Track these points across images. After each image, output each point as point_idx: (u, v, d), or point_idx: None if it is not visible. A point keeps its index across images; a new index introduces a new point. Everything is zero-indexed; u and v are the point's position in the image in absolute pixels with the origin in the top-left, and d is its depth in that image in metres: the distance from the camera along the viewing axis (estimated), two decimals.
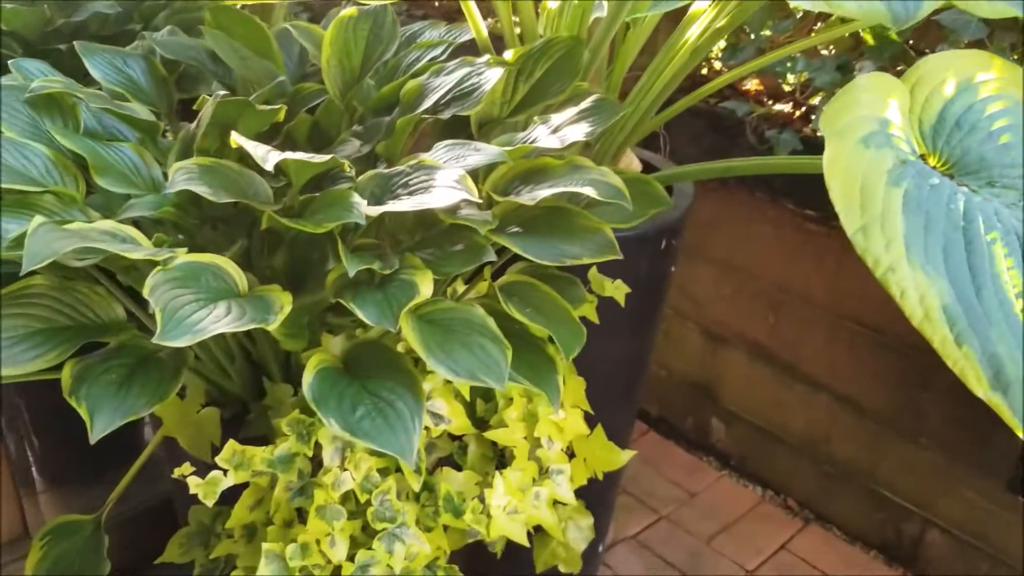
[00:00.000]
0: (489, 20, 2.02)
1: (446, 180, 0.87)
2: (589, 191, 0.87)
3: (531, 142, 0.96)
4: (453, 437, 1.08)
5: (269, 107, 0.98)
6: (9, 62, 1.18)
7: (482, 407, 1.07)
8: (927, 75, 0.83)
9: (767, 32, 1.66)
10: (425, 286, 0.84)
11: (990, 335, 0.71)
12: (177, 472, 0.90)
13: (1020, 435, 0.72)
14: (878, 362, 1.87)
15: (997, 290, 0.73)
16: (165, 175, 1.04)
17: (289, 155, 0.82)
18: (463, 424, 1.02)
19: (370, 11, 1.13)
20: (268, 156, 0.81)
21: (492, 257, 0.88)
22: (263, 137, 1.12)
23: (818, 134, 1.80)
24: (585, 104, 1.01)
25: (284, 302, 0.82)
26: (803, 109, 1.86)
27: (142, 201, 0.95)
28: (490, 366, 0.80)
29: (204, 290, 0.79)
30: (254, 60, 1.20)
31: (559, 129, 0.97)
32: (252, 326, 0.77)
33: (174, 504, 1.21)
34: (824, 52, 1.79)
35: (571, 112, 1.00)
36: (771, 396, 2.08)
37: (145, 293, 0.76)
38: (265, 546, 0.89)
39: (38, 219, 0.79)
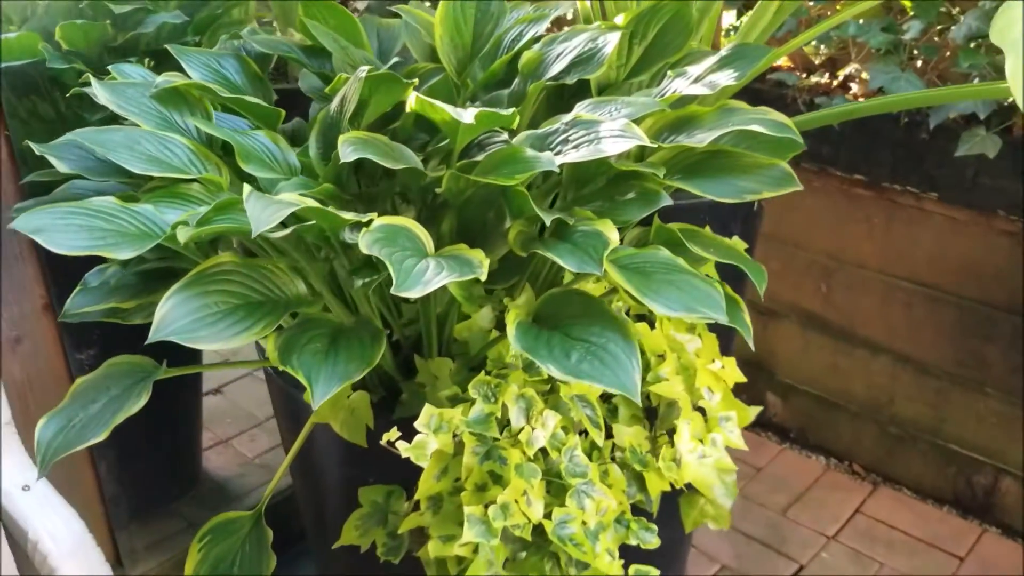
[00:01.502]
0: None
1: (612, 130, 0.88)
2: (757, 128, 0.89)
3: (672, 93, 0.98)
4: (604, 399, 1.08)
5: (407, 80, 0.98)
6: (109, 67, 1.17)
7: None
8: None
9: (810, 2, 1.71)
10: (611, 233, 0.84)
11: None
12: (385, 437, 0.89)
13: None
14: (936, 319, 1.91)
15: None
16: (299, 160, 1.03)
17: (479, 109, 0.82)
18: None
19: None
20: (463, 115, 0.81)
21: (668, 202, 0.89)
22: (376, 125, 1.12)
23: (860, 99, 1.84)
24: (724, 52, 1.03)
25: (480, 258, 0.82)
26: (840, 78, 1.90)
27: (291, 183, 0.94)
28: (704, 300, 0.81)
29: (407, 249, 0.79)
30: (351, 48, 1.20)
31: (701, 78, 0.98)
32: (468, 277, 0.77)
33: (296, 498, 1.19)
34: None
35: (709, 62, 1.01)
36: (828, 364, 2.10)
37: (363, 249, 0.75)
38: (467, 510, 0.88)
39: (248, 188, 0.78)
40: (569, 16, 1.90)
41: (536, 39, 1.15)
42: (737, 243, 1.16)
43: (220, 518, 1.10)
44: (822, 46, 1.81)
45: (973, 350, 1.88)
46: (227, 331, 0.81)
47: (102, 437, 0.90)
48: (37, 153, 1.05)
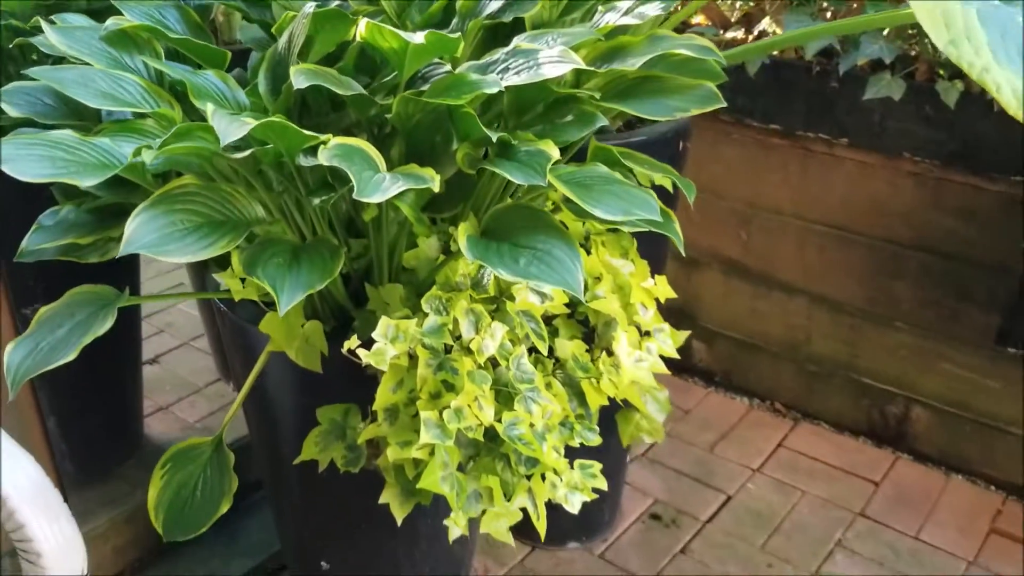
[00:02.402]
0: None
1: (550, 56, 0.94)
2: (683, 51, 0.96)
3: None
4: (546, 322, 1.15)
5: (354, 17, 1.03)
6: (52, 16, 1.18)
7: (565, 294, 1.15)
8: None
9: None
10: (553, 151, 0.91)
11: None
12: (346, 345, 0.94)
13: None
14: (848, 259, 2.03)
15: None
16: (248, 99, 1.07)
17: (427, 31, 0.87)
18: (562, 300, 1.09)
19: None
20: (413, 37, 0.87)
21: (604, 122, 0.96)
22: (324, 61, 1.16)
23: (775, 55, 1.95)
24: None
25: (431, 173, 0.87)
26: (755, 33, 2.00)
27: (244, 115, 0.98)
28: (641, 205, 0.88)
29: (364, 164, 0.84)
30: None
31: (631, 11, 1.05)
32: (422, 186, 0.82)
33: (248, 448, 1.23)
34: None
35: None
36: (748, 308, 2.22)
37: (323, 161, 0.80)
38: (423, 414, 0.94)
39: (211, 107, 0.82)
40: None
41: None
42: (668, 172, 1.24)
43: (180, 446, 1.14)
44: (738, 2, 1.90)
45: (883, 287, 2.01)
46: (193, 246, 0.85)
47: (71, 357, 0.93)
48: None
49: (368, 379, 1.14)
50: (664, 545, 1.88)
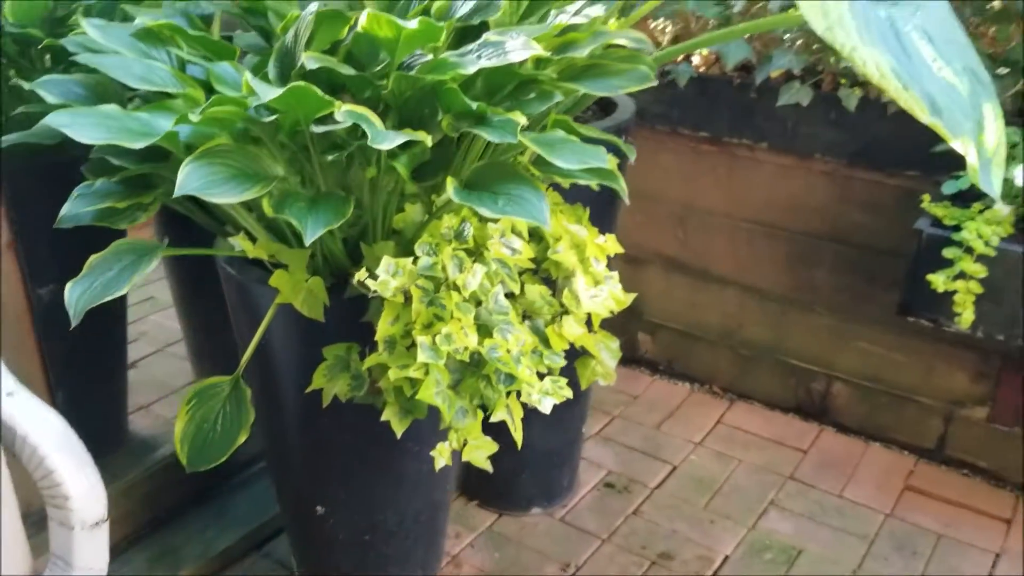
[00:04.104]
0: None
1: (516, 45, 1.16)
2: (622, 40, 1.18)
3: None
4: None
5: (352, 13, 1.24)
6: (81, 20, 1.36)
7: (534, 249, 1.35)
8: None
9: None
10: (520, 118, 1.12)
11: (923, 83, 1.07)
12: (358, 276, 1.13)
13: (949, 142, 1.07)
14: (773, 251, 2.28)
15: (920, 58, 1.10)
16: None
17: (420, 18, 1.08)
18: (528, 254, 1.30)
19: None
20: (407, 23, 1.08)
21: (561, 98, 1.17)
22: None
23: (701, 68, 2.20)
24: None
25: (423, 134, 1.08)
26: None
27: (262, 94, 1.17)
28: (594, 157, 1.10)
29: (372, 124, 1.04)
30: (285, 4, 1.45)
31: (579, 12, 1.28)
32: (420, 137, 1.03)
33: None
34: None
35: (583, 1, 1.31)
36: (687, 301, 2.45)
37: (339, 119, 1.00)
38: (420, 339, 1.13)
39: (249, 75, 1.01)
40: None
41: None
42: (612, 160, 1.46)
43: (203, 383, 1.30)
44: (668, 24, 2.16)
45: (804, 275, 2.26)
46: (234, 190, 1.03)
47: (124, 291, 1.10)
48: (26, 88, 1.24)
49: (362, 326, 1.33)
50: (618, 508, 2.07)
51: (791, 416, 2.40)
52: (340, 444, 1.45)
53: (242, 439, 1.29)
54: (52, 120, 1.04)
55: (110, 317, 1.99)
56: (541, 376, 1.22)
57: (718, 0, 2.04)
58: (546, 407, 1.18)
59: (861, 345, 2.24)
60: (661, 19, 2.15)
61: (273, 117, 1.07)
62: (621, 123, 1.68)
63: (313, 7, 1.21)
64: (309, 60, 1.12)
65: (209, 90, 1.22)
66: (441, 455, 1.32)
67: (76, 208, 1.21)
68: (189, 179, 1.01)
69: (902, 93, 1.08)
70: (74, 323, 1.09)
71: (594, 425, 2.34)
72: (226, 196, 1.03)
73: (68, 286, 1.11)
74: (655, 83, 1.24)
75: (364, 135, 1.07)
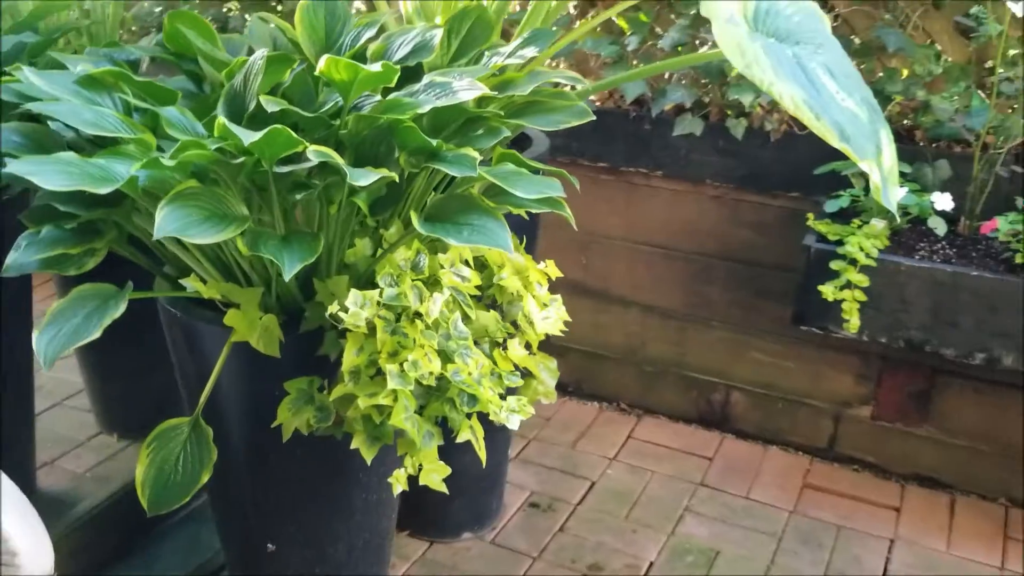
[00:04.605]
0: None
1: (463, 85, 1.24)
2: (558, 79, 1.27)
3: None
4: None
5: (299, 61, 1.28)
6: (17, 70, 1.35)
7: (479, 277, 1.42)
8: None
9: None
10: (474, 154, 1.19)
11: (832, 113, 1.21)
12: (331, 309, 1.16)
13: (858, 163, 1.21)
14: (671, 272, 2.42)
15: (827, 91, 1.24)
16: (203, 128, 1.29)
17: (381, 62, 1.14)
18: (476, 281, 1.37)
19: None
20: (371, 65, 1.13)
21: (507, 134, 1.25)
22: None
23: (598, 103, 2.34)
24: (525, 36, 1.41)
25: (384, 171, 1.13)
26: None
27: (244, 138, 1.19)
28: (547, 187, 1.18)
29: (341, 162, 1.09)
30: (215, 50, 1.47)
31: (514, 53, 1.36)
32: (384, 173, 1.08)
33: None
34: None
35: (515, 44, 1.40)
36: (592, 323, 2.56)
37: (311, 157, 1.04)
38: (388, 367, 1.17)
39: (223, 119, 1.04)
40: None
41: (373, 37, 1.49)
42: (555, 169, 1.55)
43: (163, 426, 1.29)
44: (564, 60, 2.28)
45: (700, 293, 2.41)
46: (210, 231, 1.05)
47: (97, 334, 1.09)
48: None
49: (316, 360, 1.36)
50: (545, 526, 2.15)
51: (695, 427, 2.54)
52: (292, 479, 1.46)
53: (205, 478, 1.29)
54: (17, 168, 1.03)
55: (16, 371, 1.92)
56: (502, 396, 1.28)
57: (612, 40, 2.18)
58: (514, 424, 1.25)
59: (755, 355, 2.40)
60: (560, 58, 2.27)
61: (241, 159, 1.10)
62: (539, 156, 1.77)
63: (262, 52, 1.25)
64: (268, 104, 1.16)
65: (157, 134, 1.24)
66: (398, 481, 1.36)
67: (25, 257, 1.20)
68: (167, 221, 1.03)
69: (815, 122, 1.21)
70: (45, 370, 1.08)
71: (513, 449, 2.41)
72: (204, 237, 1.05)
73: (35, 335, 1.10)
74: (594, 117, 1.34)
75: (329, 174, 1.12)
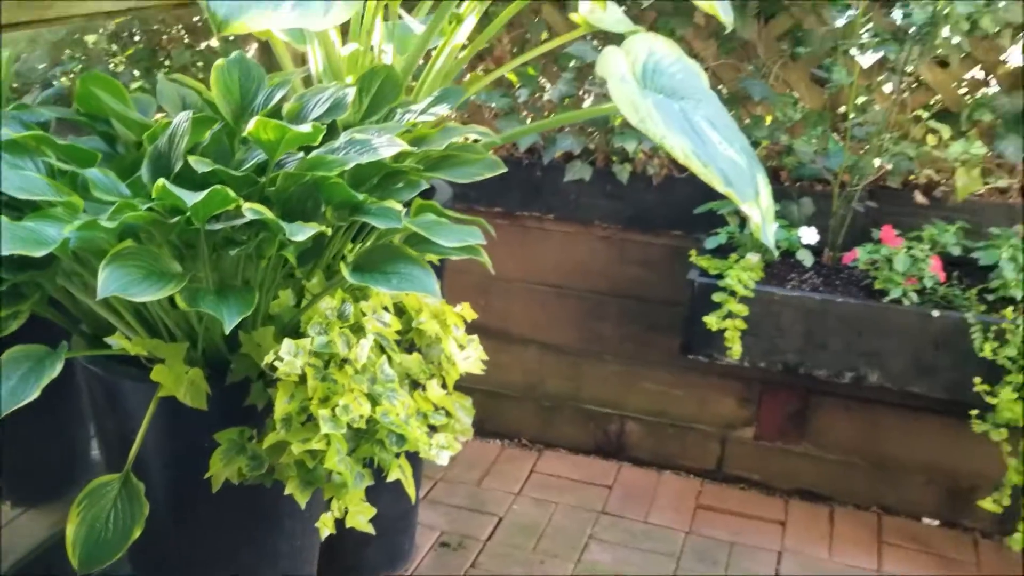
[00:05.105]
0: None
1: (382, 141, 1.31)
2: (472, 135, 1.36)
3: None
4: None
5: (219, 122, 1.33)
6: None
7: (399, 323, 1.49)
8: (633, 47, 1.49)
9: None
10: (397, 206, 1.27)
11: (717, 161, 1.35)
12: (267, 359, 1.20)
13: (740, 206, 1.35)
14: (565, 310, 2.55)
15: (711, 142, 1.38)
16: (128, 188, 1.32)
17: (309, 122, 1.20)
18: (397, 326, 1.44)
19: (237, 57, 1.51)
20: (301, 126, 1.19)
21: (426, 186, 1.33)
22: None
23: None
24: (436, 94, 1.50)
25: (313, 225, 1.20)
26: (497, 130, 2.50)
27: (187, 199, 1.22)
28: (469, 235, 1.26)
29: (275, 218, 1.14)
30: (129, 111, 1.51)
31: (426, 111, 1.45)
32: (317, 227, 1.14)
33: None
34: None
35: (426, 102, 1.48)
36: (493, 362, 2.63)
37: (247, 214, 1.10)
38: (320, 412, 1.23)
39: (163, 181, 1.08)
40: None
41: (286, 96, 1.55)
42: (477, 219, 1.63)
43: (93, 484, 1.29)
44: (459, 111, 2.39)
45: (593, 329, 2.54)
46: (150, 289, 1.08)
47: (35, 395, 1.10)
48: None
49: (243, 410, 1.40)
50: (456, 564, 2.20)
51: (593, 457, 2.65)
52: (221, 529, 1.48)
53: (137, 533, 1.30)
54: None
55: None
56: (429, 435, 1.35)
57: (504, 92, 2.30)
58: (443, 460, 1.32)
59: (646, 385, 2.54)
60: (455, 110, 2.37)
61: (176, 218, 1.14)
62: (444, 204, 1.86)
63: (187, 114, 1.29)
64: (198, 164, 1.20)
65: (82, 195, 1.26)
66: (325, 526, 1.41)
67: None
68: (109, 281, 1.06)
69: (703, 170, 1.35)
70: None
71: (421, 490, 2.46)
72: (145, 295, 1.08)
73: None
74: (505, 169, 1.44)
75: (260, 229, 1.17)
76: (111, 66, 2.57)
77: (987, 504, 2.04)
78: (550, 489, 2.51)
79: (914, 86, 2.19)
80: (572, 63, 2.30)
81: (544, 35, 2.38)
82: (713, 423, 2.51)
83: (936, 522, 2.36)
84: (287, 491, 1.30)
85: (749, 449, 2.49)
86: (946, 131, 2.09)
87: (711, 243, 2.22)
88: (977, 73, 2.23)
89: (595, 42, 2.29)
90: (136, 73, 2.51)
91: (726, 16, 1.59)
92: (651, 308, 2.46)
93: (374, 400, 1.32)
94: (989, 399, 1.93)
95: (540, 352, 2.61)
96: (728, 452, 2.52)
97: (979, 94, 2.18)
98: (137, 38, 2.52)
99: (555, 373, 2.61)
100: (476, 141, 1.48)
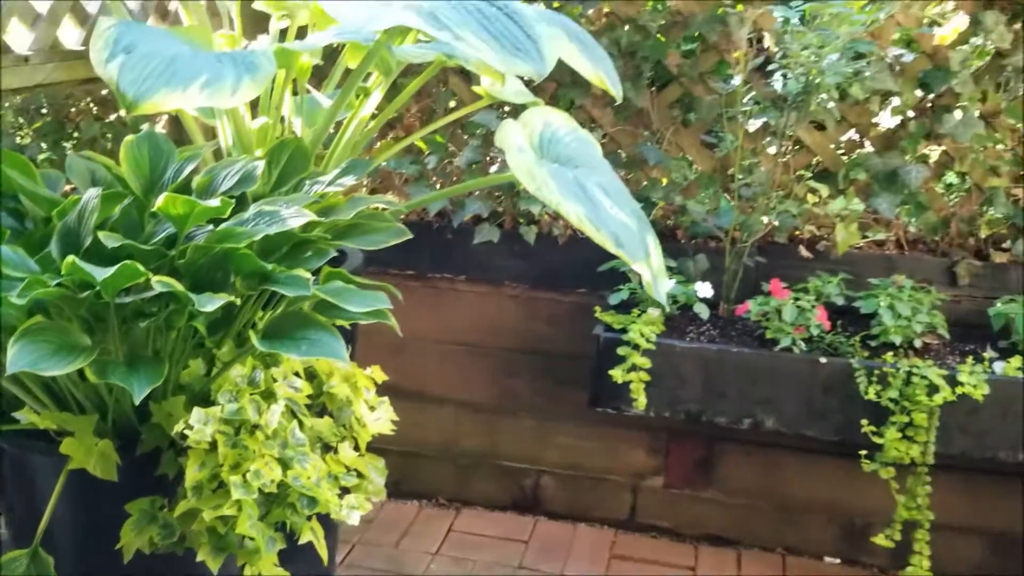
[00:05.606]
0: None
1: (291, 212, 1.37)
2: (380, 205, 1.43)
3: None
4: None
5: (129, 197, 1.37)
6: None
7: (310, 387, 1.53)
8: (530, 119, 1.59)
9: None
10: (306, 274, 1.32)
11: (609, 225, 1.45)
12: (176, 428, 1.22)
13: (631, 265, 1.44)
14: (479, 368, 2.61)
15: (603, 207, 1.48)
16: (37, 264, 1.34)
17: (218, 196, 1.25)
18: (308, 390, 1.48)
19: (146, 134, 1.56)
20: (210, 201, 1.24)
21: (334, 254, 1.39)
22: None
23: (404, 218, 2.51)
24: (343, 166, 1.57)
25: (222, 295, 1.24)
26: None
27: (97, 275, 1.25)
28: (375, 300, 1.32)
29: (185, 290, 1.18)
30: (39, 188, 1.53)
31: (334, 182, 1.51)
32: (226, 297, 1.18)
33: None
34: None
35: (334, 172, 1.55)
36: (408, 423, 2.66)
37: (156, 287, 1.13)
38: (232, 478, 1.25)
39: (73, 258, 1.10)
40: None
41: (196, 169, 1.59)
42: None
43: (3, 559, 1.29)
44: (369, 178, 2.46)
45: (506, 386, 2.60)
46: (61, 362, 1.11)
47: None
48: None
49: (154, 480, 1.41)
50: None
51: (510, 513, 2.69)
52: None
53: None
54: None
55: None
56: (340, 496, 1.39)
57: (413, 159, 2.39)
58: (354, 520, 1.35)
59: (560, 439, 2.61)
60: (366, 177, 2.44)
61: (86, 293, 1.17)
62: (355, 268, 1.92)
63: (96, 191, 1.33)
64: (108, 240, 1.24)
65: None
66: None
67: None
68: (19, 357, 1.08)
69: (596, 233, 1.45)
70: None
71: (339, 555, 2.46)
72: (56, 369, 1.11)
73: None
74: (410, 235, 1.51)
75: (169, 301, 1.21)
76: (17, 139, 2.56)
77: (880, 540, 2.15)
78: (468, 547, 2.54)
79: (796, 148, 2.36)
80: (478, 131, 2.40)
81: (452, 103, 2.48)
82: (624, 473, 2.58)
83: (837, 560, 2.47)
84: (199, 558, 1.31)
85: (659, 497, 2.57)
86: (825, 190, 2.25)
87: (614, 299, 2.32)
88: (853, 135, 2.41)
89: (500, 111, 2.39)
90: (43, 146, 2.51)
91: (615, 89, 1.71)
92: (561, 363, 2.54)
93: (285, 464, 1.35)
94: (876, 439, 2.06)
95: (455, 410, 2.65)
96: (640, 501, 2.59)
97: (855, 154, 2.35)
98: (45, 111, 2.53)
99: (471, 431, 2.66)
100: (384, 209, 1.55)
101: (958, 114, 2.21)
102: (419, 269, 2.54)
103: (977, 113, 2.22)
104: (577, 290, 2.48)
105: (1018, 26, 2.17)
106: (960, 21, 2.13)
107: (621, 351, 2.20)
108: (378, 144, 2.47)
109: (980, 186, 2.28)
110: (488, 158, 2.45)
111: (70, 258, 1.15)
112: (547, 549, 2.53)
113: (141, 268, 1.16)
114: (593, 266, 2.37)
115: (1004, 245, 2.29)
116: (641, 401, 2.20)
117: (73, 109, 2.55)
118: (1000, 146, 2.26)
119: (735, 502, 2.50)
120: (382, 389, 2.66)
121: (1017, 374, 2.03)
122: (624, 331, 2.23)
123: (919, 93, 2.27)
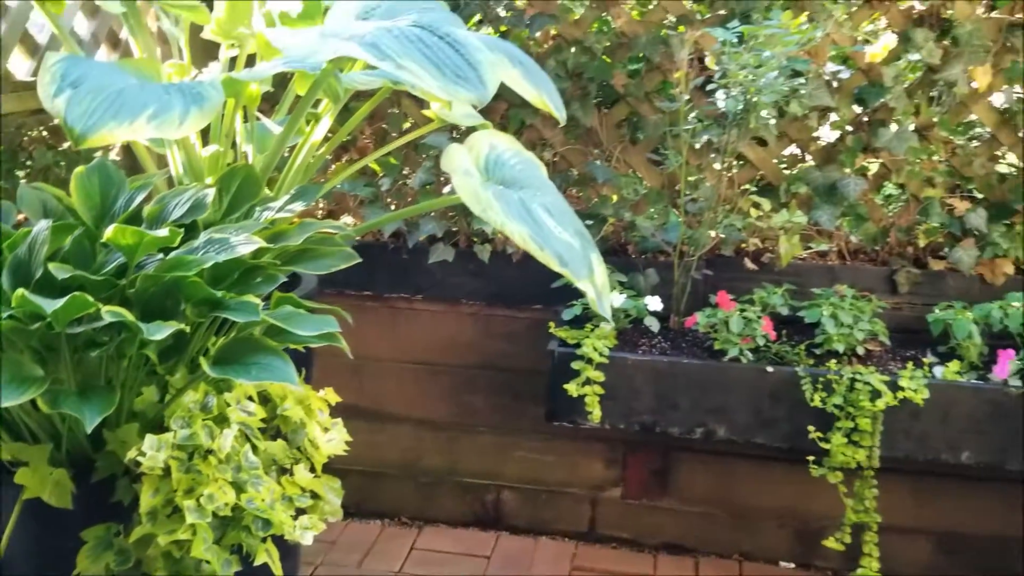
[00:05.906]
0: None
1: (240, 240, 1.40)
2: (328, 229, 1.46)
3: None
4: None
5: (79, 228, 1.39)
6: None
7: (264, 410, 1.56)
8: (475, 143, 1.63)
9: None
10: (255, 300, 1.35)
11: (553, 244, 1.49)
12: (130, 455, 1.24)
13: (575, 283, 1.49)
14: (438, 386, 2.64)
15: (547, 227, 1.53)
16: None
17: (165, 227, 1.28)
18: (262, 414, 1.51)
19: (97, 164, 1.58)
20: (158, 231, 1.27)
21: (284, 279, 1.42)
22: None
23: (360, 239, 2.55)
24: (292, 192, 1.60)
25: (168, 324, 1.26)
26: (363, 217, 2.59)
27: (46, 307, 1.26)
28: (327, 325, 1.35)
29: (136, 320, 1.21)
30: None
31: (284, 208, 1.54)
32: (176, 325, 1.21)
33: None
34: None
35: (284, 199, 1.58)
36: (368, 443, 2.71)
37: (107, 317, 1.15)
38: (186, 503, 1.28)
39: (23, 291, 1.12)
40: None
41: (147, 198, 1.62)
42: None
43: None
44: (324, 201, 2.49)
45: (466, 403, 2.64)
46: (13, 394, 1.12)
47: None
48: None
49: (110, 507, 1.43)
50: None
51: (472, 529, 2.72)
52: None
53: None
54: None
55: None
56: (294, 517, 1.41)
57: (367, 181, 2.42)
58: (308, 540, 1.38)
59: (519, 454, 2.65)
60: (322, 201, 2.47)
61: (38, 324, 1.19)
62: (310, 291, 1.95)
63: (46, 223, 1.35)
64: (58, 271, 1.26)
65: None
66: None
67: None
68: None
69: (539, 253, 1.49)
70: None
71: None
72: (8, 400, 1.13)
73: None
74: (359, 259, 1.54)
75: (120, 329, 1.23)
76: None
77: (831, 543, 2.21)
78: (431, 564, 2.56)
79: (739, 164, 2.43)
80: (431, 152, 2.44)
81: (406, 124, 2.52)
82: (583, 486, 2.62)
83: (792, 565, 2.52)
84: None
85: (618, 508, 2.62)
86: (768, 203, 2.32)
87: (568, 315, 2.36)
88: (794, 150, 2.48)
89: (453, 132, 2.44)
90: None
91: (558, 112, 1.76)
92: (518, 379, 2.58)
93: (239, 487, 1.37)
94: (823, 445, 2.12)
95: (415, 429, 2.68)
96: (599, 513, 2.64)
97: (797, 168, 2.43)
98: None
99: (431, 449, 2.69)
100: (334, 234, 1.59)
101: (893, 128, 2.29)
102: (376, 290, 2.57)
103: (912, 126, 2.31)
104: (532, 306, 2.52)
105: (947, 42, 2.26)
106: (889, 39, 2.22)
107: (575, 365, 2.24)
108: (332, 167, 2.51)
109: (917, 197, 2.36)
110: (442, 179, 2.49)
111: (20, 291, 1.17)
112: (509, 564, 2.56)
113: (91, 299, 1.18)
114: (547, 283, 2.41)
115: (941, 253, 2.37)
116: (596, 414, 2.24)
117: (26, 138, 2.55)
118: (935, 157, 2.35)
119: (692, 510, 2.55)
120: (342, 410, 2.69)
121: (956, 378, 2.10)
122: (578, 346, 2.27)
123: (856, 108, 2.35)
